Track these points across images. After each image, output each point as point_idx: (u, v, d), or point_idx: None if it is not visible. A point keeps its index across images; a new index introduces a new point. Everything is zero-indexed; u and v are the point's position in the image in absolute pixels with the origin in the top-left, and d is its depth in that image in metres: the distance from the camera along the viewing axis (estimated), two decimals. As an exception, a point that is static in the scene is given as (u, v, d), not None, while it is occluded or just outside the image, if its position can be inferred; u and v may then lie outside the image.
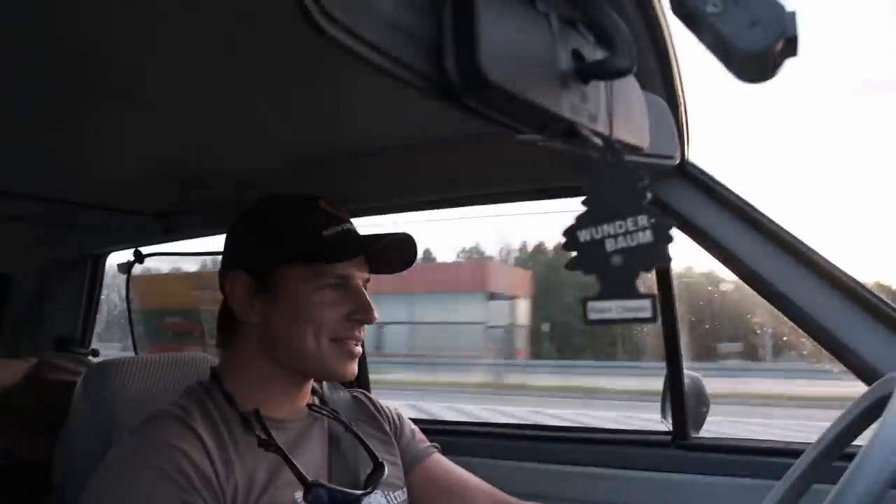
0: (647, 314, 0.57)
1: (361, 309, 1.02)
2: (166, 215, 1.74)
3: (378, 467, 1.08)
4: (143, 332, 2.17)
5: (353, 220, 1.11)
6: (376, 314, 1.03)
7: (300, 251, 1.01)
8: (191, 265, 2.07)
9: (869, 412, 0.91)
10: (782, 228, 1.19)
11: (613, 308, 0.57)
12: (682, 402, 1.42)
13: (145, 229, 1.80)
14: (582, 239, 0.59)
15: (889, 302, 1.13)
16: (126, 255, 2.07)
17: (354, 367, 1.05)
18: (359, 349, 1.04)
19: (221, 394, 1.02)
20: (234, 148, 1.35)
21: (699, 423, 1.47)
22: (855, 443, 0.95)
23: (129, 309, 2.13)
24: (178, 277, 2.07)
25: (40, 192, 1.54)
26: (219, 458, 0.91)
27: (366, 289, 1.07)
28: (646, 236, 0.57)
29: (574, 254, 0.59)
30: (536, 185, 1.36)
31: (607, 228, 0.58)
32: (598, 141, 0.58)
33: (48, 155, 1.36)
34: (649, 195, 0.57)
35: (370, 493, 1.04)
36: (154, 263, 2.07)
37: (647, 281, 0.62)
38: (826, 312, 1.15)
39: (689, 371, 1.47)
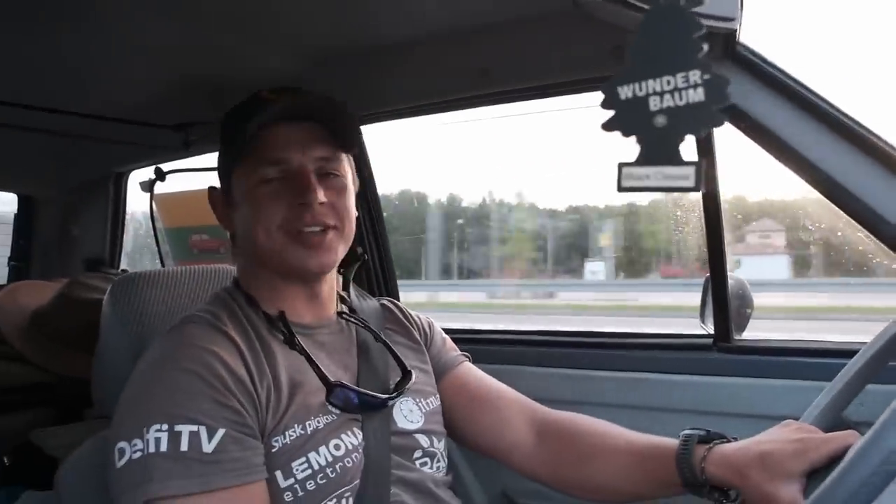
0: (690, 182, 0.50)
1: (300, 191, 0.94)
2: (185, 127, 1.69)
3: (406, 374, 1.07)
4: (170, 250, 2.17)
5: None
6: (320, 195, 0.94)
7: (235, 146, 0.97)
8: (215, 180, 2.02)
9: None
10: (847, 116, 1.09)
11: (652, 175, 0.51)
12: (725, 303, 1.37)
13: (165, 143, 1.76)
14: (623, 96, 0.52)
15: None
16: (147, 173, 2.04)
17: (320, 258, 0.97)
18: (322, 236, 0.96)
19: (244, 297, 1.01)
20: (251, 50, 1.29)
21: (742, 326, 1.42)
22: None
23: (154, 227, 2.11)
24: (202, 194, 2.03)
25: (58, 105, 1.51)
26: (252, 360, 0.90)
27: (333, 172, 0.99)
28: (697, 94, 0.50)
29: (612, 112, 0.52)
30: (574, 75, 1.27)
31: (653, 84, 0.51)
32: (656, -18, 0.50)
33: (63, 65, 1.32)
34: (705, 47, 0.50)
35: (396, 397, 1.02)
36: (178, 181, 2.03)
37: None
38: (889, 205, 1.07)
39: (732, 274, 1.41)
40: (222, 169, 1.03)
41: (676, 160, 0.50)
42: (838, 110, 1.08)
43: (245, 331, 0.94)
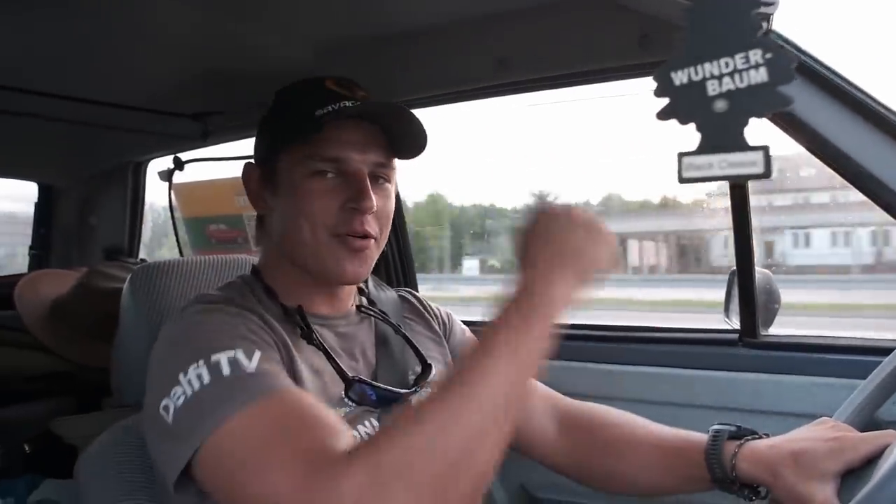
0: (759, 168, 0.47)
1: (355, 195, 0.91)
2: (203, 117, 1.69)
3: (426, 367, 1.05)
4: (188, 240, 2.17)
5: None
6: (374, 203, 0.92)
7: (290, 132, 0.93)
8: (232, 170, 2.02)
9: None
10: (876, 100, 1.05)
11: (715, 163, 0.48)
12: (752, 298, 1.34)
13: (183, 133, 1.75)
14: (678, 82, 0.49)
15: None
16: (166, 162, 2.04)
17: (359, 268, 0.94)
18: (364, 244, 0.94)
19: (262, 288, 0.98)
20: (267, 39, 1.27)
21: (769, 321, 1.39)
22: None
23: (172, 217, 2.11)
24: (220, 184, 2.03)
25: (77, 93, 1.51)
26: (270, 336, 0.87)
27: (383, 177, 0.97)
28: (759, 75, 0.47)
29: (667, 101, 0.50)
30: (596, 65, 1.24)
31: (710, 68, 0.48)
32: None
33: (81, 53, 1.32)
34: (766, 25, 0.47)
35: (416, 391, 1.00)
36: (196, 171, 2.03)
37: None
38: None
39: (759, 268, 1.37)
40: (266, 147, 0.99)
41: (742, 146, 0.48)
42: (873, 99, 1.05)
43: (262, 318, 0.92)
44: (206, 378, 0.75)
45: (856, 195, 0.99)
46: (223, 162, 1.99)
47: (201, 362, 0.76)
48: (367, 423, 0.93)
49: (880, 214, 0.92)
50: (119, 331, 1.24)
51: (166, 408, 0.76)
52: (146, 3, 1.09)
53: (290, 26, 1.23)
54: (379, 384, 0.96)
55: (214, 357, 0.76)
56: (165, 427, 0.76)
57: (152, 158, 2.17)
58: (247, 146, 1.84)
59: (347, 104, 0.93)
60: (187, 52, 1.34)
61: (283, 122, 0.97)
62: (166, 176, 2.03)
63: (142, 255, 2.29)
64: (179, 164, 1.97)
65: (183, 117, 1.67)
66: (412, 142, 0.97)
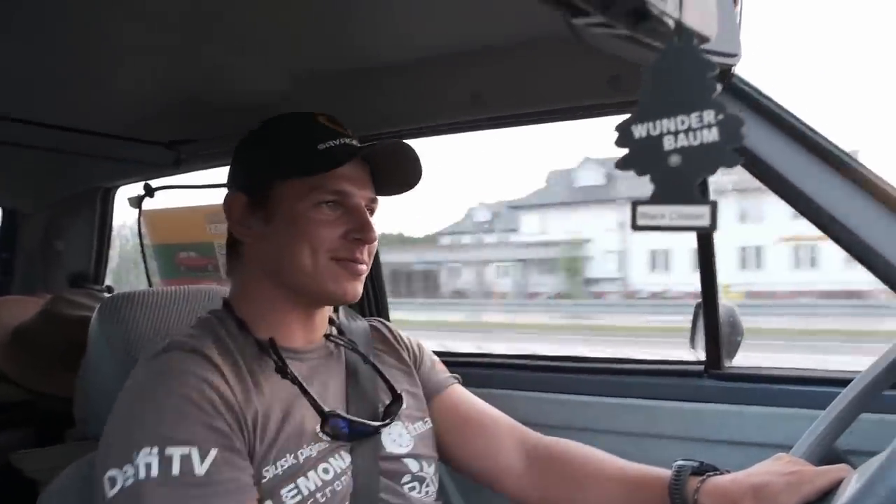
0: (706, 221, 0.50)
1: (359, 227, 0.98)
2: (176, 145, 1.68)
3: (396, 399, 1.06)
4: (156, 267, 2.14)
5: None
6: (375, 234, 0.99)
7: (294, 165, 0.97)
8: (204, 198, 2.01)
9: None
10: (837, 148, 1.10)
11: (667, 213, 0.51)
12: (716, 331, 1.37)
13: (155, 160, 1.74)
14: (637, 135, 0.52)
15: None
16: (136, 188, 2.02)
17: (357, 288, 1.00)
18: (362, 269, 1.00)
19: (234, 322, 0.99)
20: (243, 69, 1.28)
21: (732, 353, 1.42)
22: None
23: (141, 244, 2.09)
24: (191, 211, 2.02)
25: (47, 119, 1.49)
26: (238, 386, 0.88)
27: (372, 212, 1.03)
28: (711, 135, 0.50)
29: (626, 151, 0.53)
30: (567, 103, 1.28)
31: (667, 124, 0.51)
32: (669, 22, 0.50)
33: (54, 79, 1.31)
34: (719, 87, 0.50)
35: (388, 424, 1.01)
36: (166, 198, 2.02)
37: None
38: (878, 237, 1.08)
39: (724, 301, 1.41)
40: (256, 175, 1.02)
41: (692, 199, 0.50)
42: (829, 142, 1.10)
43: (232, 357, 0.92)
44: (155, 470, 0.77)
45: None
46: (194, 189, 1.99)
47: (154, 450, 0.78)
48: (338, 456, 0.94)
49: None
50: (85, 361, 1.22)
51: (112, 479, 0.79)
52: (122, 30, 1.08)
53: (267, 57, 1.24)
54: (352, 417, 0.97)
55: (169, 450, 0.79)
56: (105, 497, 0.79)
57: (122, 185, 2.15)
58: (219, 174, 1.84)
59: (346, 141, 1.00)
60: (164, 80, 1.34)
61: (281, 153, 0.99)
62: (136, 202, 2.01)
63: (108, 281, 2.26)
64: (150, 191, 1.96)
65: (157, 145, 1.66)
66: (404, 180, 1.06)
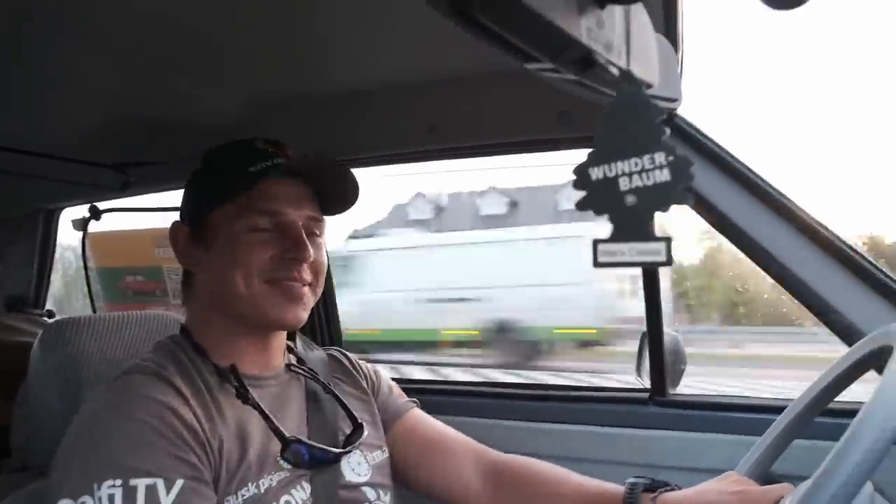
0: (662, 257, 0.53)
1: (292, 245, 0.95)
2: (125, 167, 1.65)
3: (357, 427, 1.06)
4: (101, 291, 2.08)
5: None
6: (311, 253, 0.96)
7: (224, 190, 0.96)
8: (154, 221, 1.98)
9: (857, 368, 0.91)
10: (770, 185, 1.17)
11: (626, 251, 0.54)
12: (661, 360, 1.42)
13: (102, 183, 1.70)
14: (594, 177, 0.55)
15: (873, 261, 1.13)
16: (82, 210, 1.97)
17: (298, 313, 0.97)
18: (300, 290, 0.97)
19: (193, 348, 0.97)
20: (197, 93, 1.28)
21: (676, 381, 1.47)
22: (837, 399, 0.96)
23: (85, 268, 2.03)
24: (138, 234, 1.98)
25: None
26: (202, 413, 0.87)
27: (315, 232, 1.01)
28: (663, 175, 0.53)
29: (584, 193, 0.56)
30: (520, 136, 1.32)
31: (621, 166, 0.54)
32: (614, 71, 0.54)
33: None
34: (668, 131, 0.54)
35: (349, 452, 1.01)
36: (112, 220, 1.97)
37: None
38: (808, 271, 1.15)
39: (668, 330, 1.46)
40: (196, 205, 1.00)
41: (648, 236, 0.53)
42: (770, 185, 1.17)
43: (194, 382, 0.91)
44: (119, 502, 0.75)
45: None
46: (142, 212, 1.95)
47: (119, 482, 0.76)
48: (299, 487, 0.93)
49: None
50: (25, 387, 1.18)
51: None
52: (67, 52, 1.06)
53: (222, 81, 1.23)
54: (314, 443, 0.96)
55: (133, 481, 0.76)
56: None
57: (67, 206, 2.10)
58: (168, 197, 1.81)
59: (280, 161, 0.97)
60: (111, 101, 1.31)
61: (214, 181, 0.99)
62: (81, 225, 1.96)
63: (49, 305, 2.18)
64: (96, 214, 1.91)
65: (104, 167, 1.63)
66: (343, 197, 1.03)
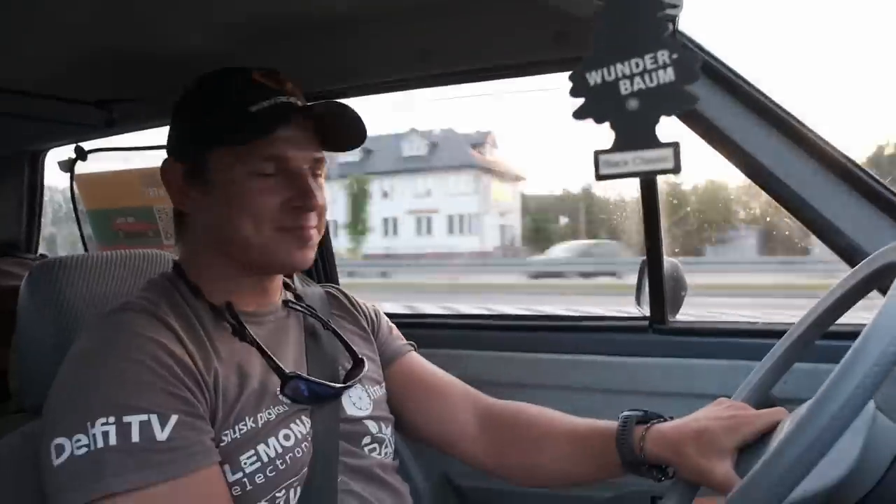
0: (669, 164, 0.50)
1: (300, 194, 0.92)
2: (108, 104, 1.59)
3: (358, 363, 1.05)
4: (92, 234, 2.05)
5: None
6: (319, 199, 0.94)
7: (224, 131, 0.90)
8: (141, 160, 1.93)
9: (860, 288, 0.89)
10: (771, 100, 1.12)
11: (630, 160, 0.50)
12: (661, 287, 1.40)
13: (86, 121, 1.65)
14: (592, 82, 0.51)
15: (877, 178, 1.09)
16: (67, 151, 1.92)
17: (308, 256, 0.96)
18: (311, 234, 0.95)
19: (187, 286, 0.95)
20: (178, 21, 1.21)
21: (676, 308, 1.46)
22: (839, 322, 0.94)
23: (75, 209, 2.00)
24: (127, 174, 1.94)
25: None
26: (196, 350, 0.85)
27: (318, 173, 0.97)
28: (667, 75, 0.49)
29: (582, 100, 0.52)
30: (514, 59, 1.27)
31: (621, 68, 0.50)
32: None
33: None
34: (671, 27, 0.49)
35: (350, 387, 1.00)
36: (101, 161, 1.92)
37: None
38: (811, 190, 1.11)
39: (668, 257, 1.44)
40: (191, 142, 0.95)
41: (653, 143, 0.50)
42: (774, 102, 1.12)
43: (187, 320, 0.89)
44: (113, 438, 0.74)
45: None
46: (129, 150, 1.90)
47: (112, 419, 0.75)
48: (298, 421, 0.92)
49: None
50: (17, 331, 1.16)
51: (60, 447, 0.75)
52: None
53: (206, 10, 1.17)
54: (313, 378, 0.95)
55: (127, 418, 0.75)
56: (50, 464, 0.75)
57: (52, 147, 2.04)
58: (156, 134, 1.76)
59: (282, 99, 0.92)
60: (90, 33, 1.25)
61: (212, 118, 0.93)
62: (67, 166, 1.91)
63: (42, 250, 2.16)
64: (82, 154, 1.86)
65: (86, 104, 1.57)
66: (348, 137, 0.98)
